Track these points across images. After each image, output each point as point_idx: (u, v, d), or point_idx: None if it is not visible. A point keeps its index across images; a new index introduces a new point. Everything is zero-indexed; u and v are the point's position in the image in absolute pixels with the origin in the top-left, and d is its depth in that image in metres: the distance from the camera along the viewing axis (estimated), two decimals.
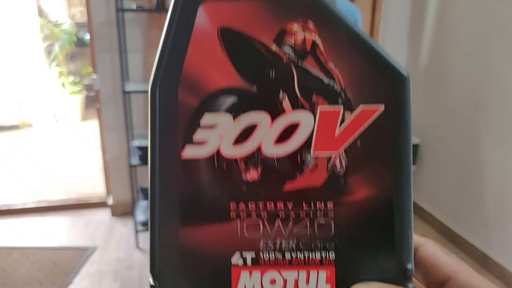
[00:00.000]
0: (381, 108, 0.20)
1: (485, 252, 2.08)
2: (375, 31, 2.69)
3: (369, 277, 0.20)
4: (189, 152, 0.20)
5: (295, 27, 0.20)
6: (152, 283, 0.20)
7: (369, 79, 0.20)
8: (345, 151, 0.20)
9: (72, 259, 2.20)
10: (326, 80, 0.20)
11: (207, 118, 0.20)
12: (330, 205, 0.20)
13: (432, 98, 2.57)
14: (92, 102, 4.95)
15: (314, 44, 0.19)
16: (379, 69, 0.20)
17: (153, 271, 0.20)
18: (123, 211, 2.64)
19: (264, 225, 0.20)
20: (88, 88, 5.11)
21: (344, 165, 0.20)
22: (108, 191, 2.73)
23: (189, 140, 0.20)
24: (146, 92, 2.28)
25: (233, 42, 0.20)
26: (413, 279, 0.21)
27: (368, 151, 0.20)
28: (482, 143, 2.14)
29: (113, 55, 2.41)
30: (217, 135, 0.20)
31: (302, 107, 0.20)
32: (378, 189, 0.20)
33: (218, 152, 0.20)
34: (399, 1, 2.71)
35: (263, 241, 0.20)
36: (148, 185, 0.20)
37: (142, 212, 2.42)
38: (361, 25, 1.26)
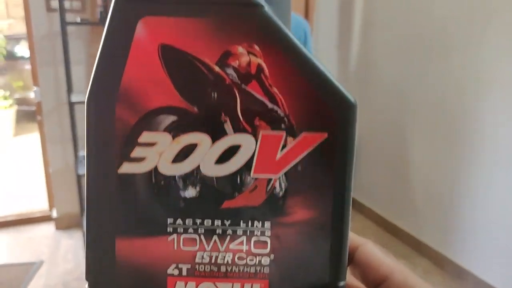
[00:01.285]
0: (324, 135, 0.21)
1: (417, 237, 2.33)
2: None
3: None
4: (126, 168, 0.20)
5: (240, 49, 0.20)
6: None
7: (315, 105, 0.20)
8: (285, 174, 0.21)
9: (17, 276, 2.11)
10: (269, 104, 0.20)
11: (145, 136, 0.20)
12: (267, 224, 0.21)
13: (364, 100, 2.78)
14: (25, 116, 4.81)
15: (259, 67, 0.20)
16: (325, 96, 0.21)
17: (89, 279, 0.21)
18: (68, 224, 2.60)
19: (201, 240, 0.21)
20: (21, 102, 5.01)
21: (283, 187, 0.21)
22: (52, 205, 2.68)
23: (126, 157, 0.20)
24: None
25: (174, 60, 0.20)
26: (353, 278, 0.23)
27: (309, 176, 0.21)
28: (409, 140, 2.42)
29: (56, 68, 2.42)
30: (155, 153, 0.20)
31: (244, 130, 0.20)
32: (316, 212, 0.21)
33: (155, 169, 0.20)
34: (328, 11, 2.94)
35: (199, 254, 0.21)
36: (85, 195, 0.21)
37: None
38: (311, 38, 1.29)
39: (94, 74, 0.20)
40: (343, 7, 2.94)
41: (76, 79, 2.42)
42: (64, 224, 2.61)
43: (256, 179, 0.21)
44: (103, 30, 0.20)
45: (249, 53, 0.20)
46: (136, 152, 0.20)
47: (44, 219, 2.71)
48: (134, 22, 0.20)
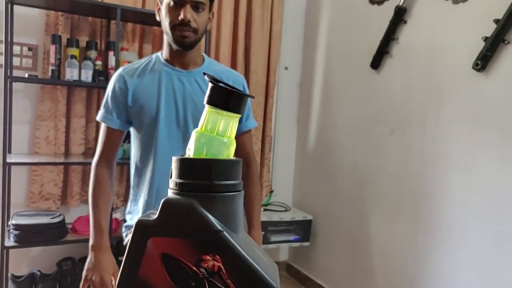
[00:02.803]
0: None
1: None
2: (267, 115, 3.10)
3: None
4: None
5: (208, 257, 0.37)
6: None
7: None
8: None
9: None
10: None
11: None
12: None
13: (322, 177, 3.01)
14: None
15: (219, 268, 0.37)
16: (258, 283, 0.37)
17: None
18: None
19: None
20: None
21: None
22: None
23: None
24: (31, 164, 2.28)
25: (170, 262, 0.36)
26: None
27: None
28: (368, 218, 2.57)
29: None
30: None
31: None
32: None
33: None
34: (289, 87, 3.27)
35: None
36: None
37: None
38: (248, 91, 1.44)
39: (121, 271, 0.36)
40: (303, 83, 3.26)
41: (17, 140, 2.42)
42: None
43: None
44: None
45: (213, 259, 0.37)
46: None
47: None
48: (146, 240, 0.36)
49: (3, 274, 2.25)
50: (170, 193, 0.38)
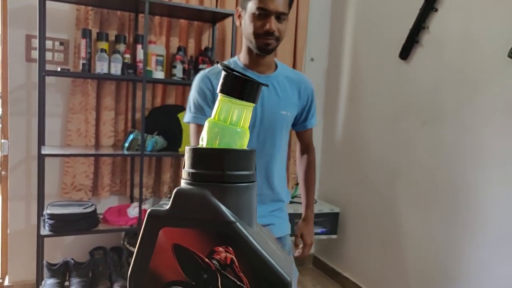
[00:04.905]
0: None
1: None
2: None
3: None
4: None
5: (221, 249, 0.36)
6: None
7: (265, 283, 0.36)
8: None
9: None
10: (238, 283, 0.36)
11: None
12: None
13: (349, 169, 2.95)
14: None
15: (232, 260, 0.36)
16: (271, 277, 0.36)
17: None
18: None
19: None
20: None
21: None
22: (4, 271, 2.59)
23: None
24: (63, 155, 2.36)
25: (181, 253, 0.36)
26: None
27: None
28: (400, 211, 2.49)
29: (29, 119, 2.50)
30: None
31: None
32: None
33: None
34: (315, 82, 3.22)
35: None
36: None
37: None
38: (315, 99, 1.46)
39: (133, 261, 0.35)
40: (330, 74, 3.21)
41: (50, 132, 2.50)
42: None
43: None
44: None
45: (226, 251, 0.36)
46: None
47: None
48: (157, 231, 0.36)
49: (39, 262, 2.33)
50: (183, 183, 0.37)
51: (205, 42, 2.83)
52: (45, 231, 2.30)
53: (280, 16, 1.37)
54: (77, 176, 2.57)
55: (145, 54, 2.42)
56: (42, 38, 2.28)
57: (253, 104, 0.38)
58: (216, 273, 0.36)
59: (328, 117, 3.22)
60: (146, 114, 2.55)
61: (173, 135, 2.58)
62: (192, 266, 0.36)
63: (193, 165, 0.37)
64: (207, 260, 0.36)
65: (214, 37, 2.80)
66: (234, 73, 0.37)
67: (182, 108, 2.67)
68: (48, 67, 2.46)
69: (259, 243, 0.37)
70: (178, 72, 2.60)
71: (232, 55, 2.61)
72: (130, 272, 0.36)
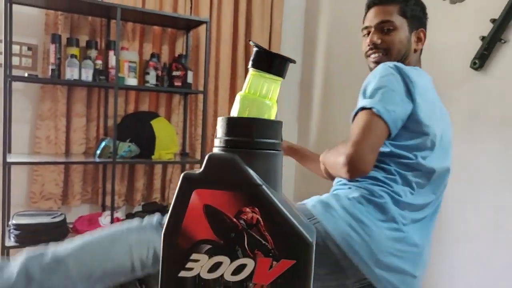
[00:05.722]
0: (293, 262, 0.39)
1: None
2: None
3: None
4: (182, 273, 0.38)
5: (248, 209, 0.39)
6: None
7: (288, 243, 0.40)
8: (271, 283, 0.39)
9: None
10: (263, 242, 0.39)
11: (193, 256, 0.38)
12: None
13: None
14: None
15: (257, 220, 0.39)
16: (294, 237, 0.40)
17: None
18: None
19: None
20: None
21: None
22: None
23: (182, 267, 0.38)
24: (31, 163, 2.29)
25: (212, 213, 0.39)
26: None
27: (285, 285, 0.39)
28: None
29: None
30: (198, 265, 0.38)
31: (249, 256, 0.39)
32: None
33: (199, 275, 0.38)
34: (289, 89, 3.29)
35: None
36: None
37: None
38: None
39: (168, 219, 0.38)
40: (303, 81, 3.29)
41: (17, 139, 2.43)
42: None
43: (255, 284, 0.39)
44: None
45: (252, 211, 0.39)
46: (188, 264, 0.38)
47: None
48: (190, 192, 0.39)
49: None
50: (215, 150, 0.41)
51: (179, 49, 2.85)
52: (10, 242, 2.22)
53: (383, 27, 1.28)
54: (46, 184, 2.50)
55: (117, 61, 2.41)
56: (8, 42, 2.24)
57: (281, 79, 0.42)
58: (243, 232, 0.39)
59: (302, 124, 3.31)
60: (118, 121, 2.53)
61: (146, 142, 2.57)
62: (221, 226, 0.39)
63: (224, 133, 0.40)
64: (235, 220, 0.39)
65: (188, 44, 2.83)
66: (265, 48, 0.41)
67: (156, 115, 2.67)
68: (15, 72, 2.41)
69: (283, 206, 0.40)
70: (152, 78, 2.60)
71: (206, 62, 2.65)
72: (165, 231, 0.38)
